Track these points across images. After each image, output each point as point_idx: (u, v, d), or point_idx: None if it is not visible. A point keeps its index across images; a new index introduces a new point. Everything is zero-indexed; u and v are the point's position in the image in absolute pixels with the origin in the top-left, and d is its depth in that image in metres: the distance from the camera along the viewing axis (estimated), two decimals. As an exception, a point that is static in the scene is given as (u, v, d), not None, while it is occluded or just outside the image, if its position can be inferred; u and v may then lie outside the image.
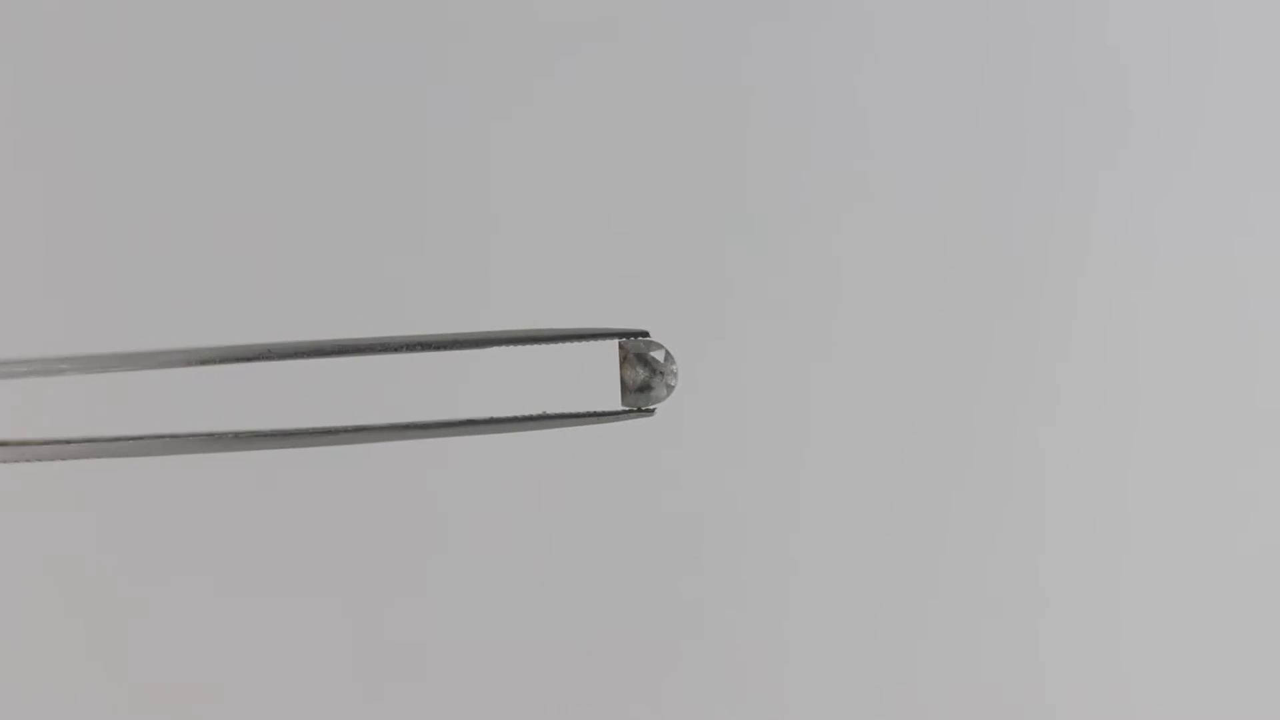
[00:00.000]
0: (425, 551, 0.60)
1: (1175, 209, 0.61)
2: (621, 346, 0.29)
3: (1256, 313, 0.61)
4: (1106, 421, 0.61)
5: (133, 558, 0.59)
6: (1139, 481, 0.61)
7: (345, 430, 0.28)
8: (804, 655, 0.61)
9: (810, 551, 0.61)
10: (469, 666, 0.60)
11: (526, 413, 0.28)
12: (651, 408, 0.29)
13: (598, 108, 0.61)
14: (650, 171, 0.61)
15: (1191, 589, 0.61)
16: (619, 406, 0.29)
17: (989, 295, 0.61)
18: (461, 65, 0.61)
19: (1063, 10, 0.62)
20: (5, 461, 0.28)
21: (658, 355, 0.28)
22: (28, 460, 0.28)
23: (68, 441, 0.28)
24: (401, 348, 0.28)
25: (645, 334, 0.28)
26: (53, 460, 0.28)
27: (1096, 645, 0.61)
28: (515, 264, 0.60)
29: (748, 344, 0.60)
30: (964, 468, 0.61)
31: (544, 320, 0.58)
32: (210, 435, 0.28)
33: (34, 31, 0.60)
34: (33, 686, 0.59)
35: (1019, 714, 0.61)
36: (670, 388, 0.29)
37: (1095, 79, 0.61)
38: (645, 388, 0.29)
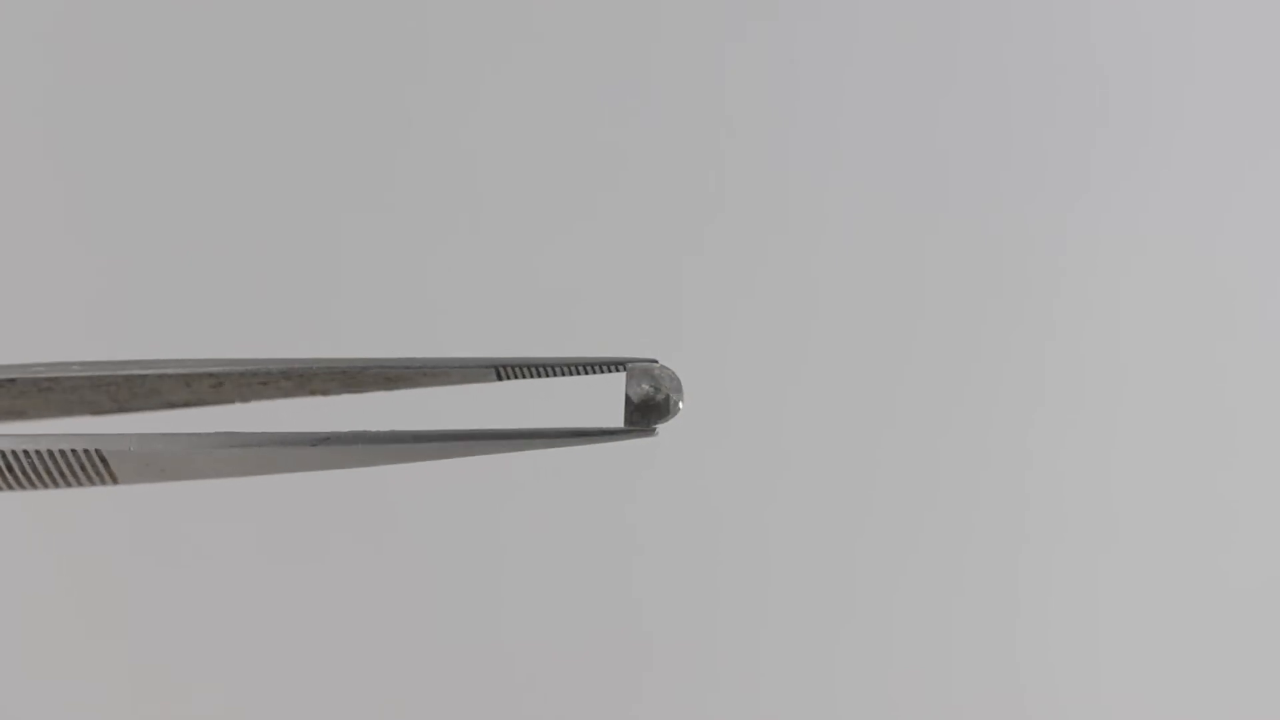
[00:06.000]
0: (416, 561, 0.60)
1: (1155, 207, 0.61)
2: (629, 369, 0.29)
3: (1237, 311, 0.61)
4: (1089, 424, 0.61)
5: (133, 557, 0.59)
6: (1121, 483, 0.61)
7: (332, 440, 0.27)
8: (795, 661, 0.61)
9: (805, 556, 0.61)
10: (464, 674, 0.60)
11: (526, 429, 0.28)
12: (654, 427, 0.28)
13: (591, 114, 0.61)
14: (643, 176, 0.61)
15: (1172, 591, 0.61)
16: (622, 425, 0.28)
17: (978, 298, 0.61)
18: (451, 68, 0.61)
19: (1044, 11, 0.62)
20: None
21: (665, 379, 0.28)
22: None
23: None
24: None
25: (654, 362, 0.28)
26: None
27: (1077, 649, 0.61)
28: (512, 273, 0.60)
29: (736, 347, 0.61)
30: (959, 473, 0.61)
31: (539, 340, 0.58)
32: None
33: (34, 34, 0.60)
34: (32, 686, 0.59)
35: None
36: (677, 409, 0.28)
37: (1075, 78, 0.62)
38: (650, 409, 0.28)
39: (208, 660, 0.59)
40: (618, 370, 0.28)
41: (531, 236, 0.60)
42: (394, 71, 0.61)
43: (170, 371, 0.29)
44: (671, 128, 0.61)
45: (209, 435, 0.27)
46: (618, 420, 0.28)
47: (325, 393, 0.29)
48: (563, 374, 0.29)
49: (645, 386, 0.28)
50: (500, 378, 0.29)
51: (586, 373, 0.29)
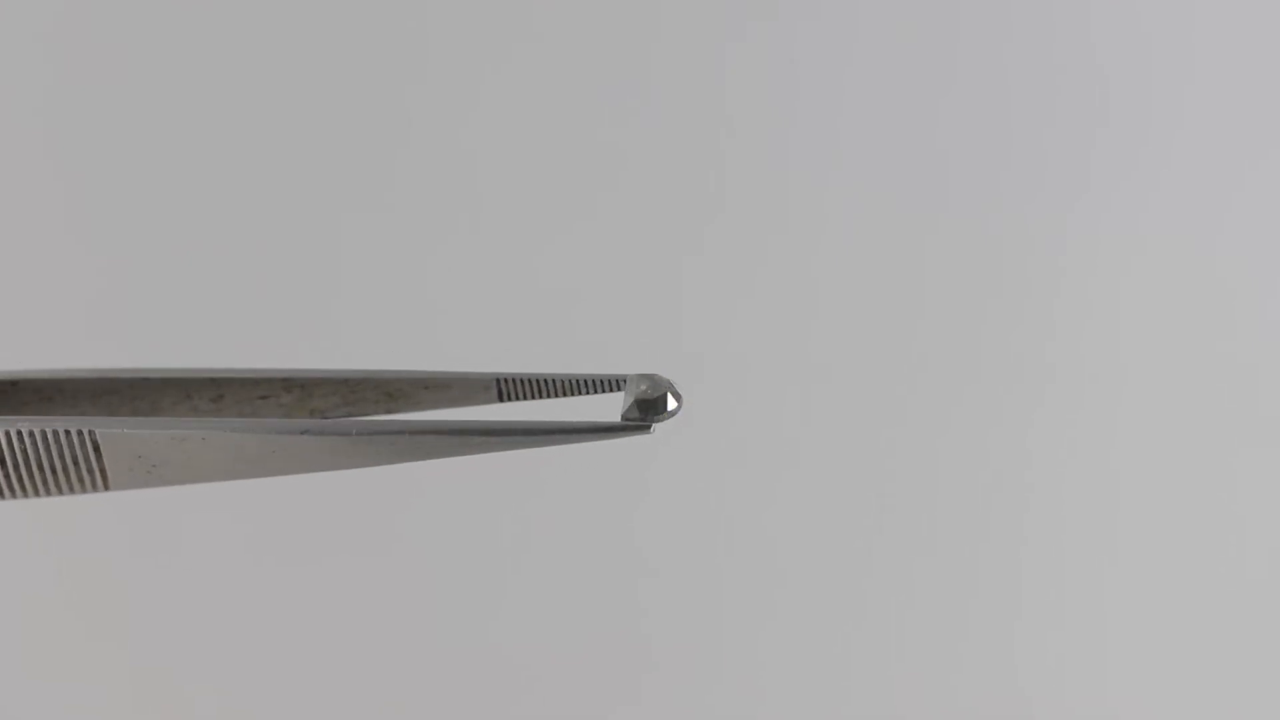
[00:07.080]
0: (415, 563, 0.60)
1: (1155, 207, 0.61)
2: (629, 378, 0.29)
3: (1237, 311, 0.62)
4: (1089, 424, 0.61)
5: (132, 560, 0.59)
6: (1122, 483, 0.61)
7: (325, 429, 0.27)
8: (795, 661, 0.61)
9: (805, 556, 0.61)
10: (456, 673, 0.60)
11: (521, 423, 0.28)
12: (650, 424, 0.28)
13: (591, 114, 0.61)
14: (643, 176, 0.61)
15: (1174, 590, 0.61)
16: (617, 421, 0.28)
17: (979, 298, 0.61)
18: (451, 68, 0.61)
19: (1044, 11, 0.62)
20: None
21: (662, 381, 0.28)
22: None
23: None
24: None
25: (651, 377, 0.28)
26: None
27: (1081, 650, 0.61)
28: (511, 272, 0.61)
29: (736, 347, 0.61)
30: (959, 473, 0.61)
31: (538, 339, 0.58)
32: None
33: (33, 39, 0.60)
34: (32, 687, 0.59)
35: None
36: (674, 408, 0.28)
37: (1075, 78, 0.62)
38: (645, 406, 0.28)
39: (207, 662, 0.59)
40: (618, 389, 0.28)
41: (531, 235, 0.60)
42: (394, 71, 0.61)
43: (171, 376, 0.29)
44: (671, 128, 0.61)
45: (200, 421, 0.27)
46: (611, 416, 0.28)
47: (325, 411, 0.29)
48: (564, 393, 0.29)
49: (642, 386, 0.28)
50: (501, 396, 0.29)
51: (587, 391, 0.29)
